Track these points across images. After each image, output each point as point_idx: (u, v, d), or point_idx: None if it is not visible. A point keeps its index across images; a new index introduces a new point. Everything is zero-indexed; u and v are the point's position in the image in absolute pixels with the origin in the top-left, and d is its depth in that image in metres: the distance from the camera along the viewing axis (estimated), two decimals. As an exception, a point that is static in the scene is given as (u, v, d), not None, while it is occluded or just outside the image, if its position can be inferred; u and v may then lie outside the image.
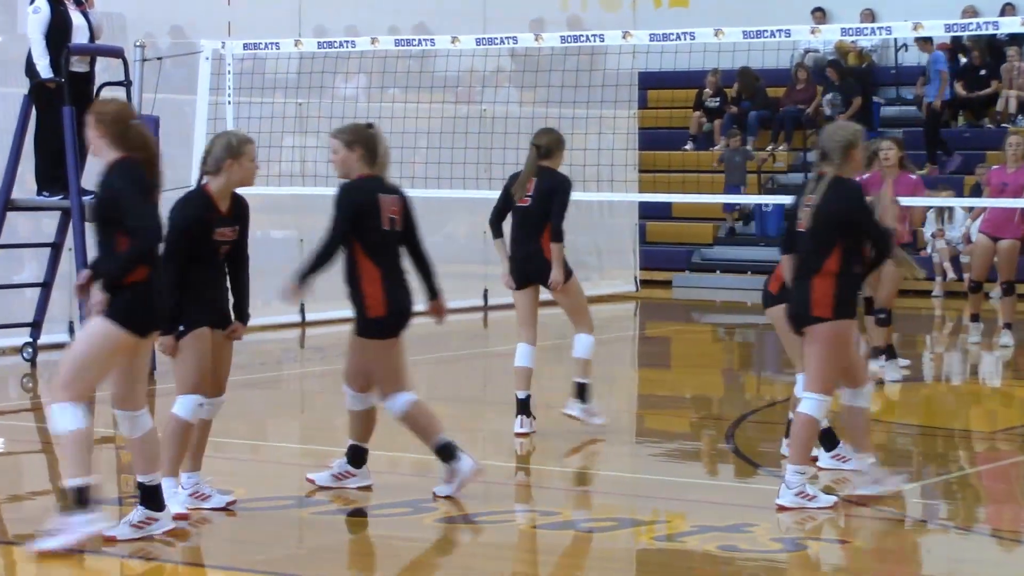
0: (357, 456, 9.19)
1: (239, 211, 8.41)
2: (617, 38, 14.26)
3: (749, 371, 16.37)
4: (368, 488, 9.10)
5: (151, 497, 7.83)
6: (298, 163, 17.19)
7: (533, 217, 10.93)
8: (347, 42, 15.48)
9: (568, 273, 10.96)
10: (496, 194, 16.67)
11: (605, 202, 21.16)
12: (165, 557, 7.84)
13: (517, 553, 7.91)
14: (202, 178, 8.32)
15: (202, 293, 8.25)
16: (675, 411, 13.04)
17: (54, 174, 13.56)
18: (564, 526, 8.63)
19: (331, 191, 16.20)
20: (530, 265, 10.98)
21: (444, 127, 18.57)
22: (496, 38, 15.53)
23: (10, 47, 16.43)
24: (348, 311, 20.32)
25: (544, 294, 11.15)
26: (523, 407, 11.07)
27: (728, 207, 24.33)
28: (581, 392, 11.17)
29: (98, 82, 13.99)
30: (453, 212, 21.17)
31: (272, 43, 15.16)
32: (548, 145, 11.01)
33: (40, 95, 13.50)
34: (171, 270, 8.06)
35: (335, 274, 21.49)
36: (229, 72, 14.92)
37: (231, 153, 8.26)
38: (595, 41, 14.71)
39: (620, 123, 20.53)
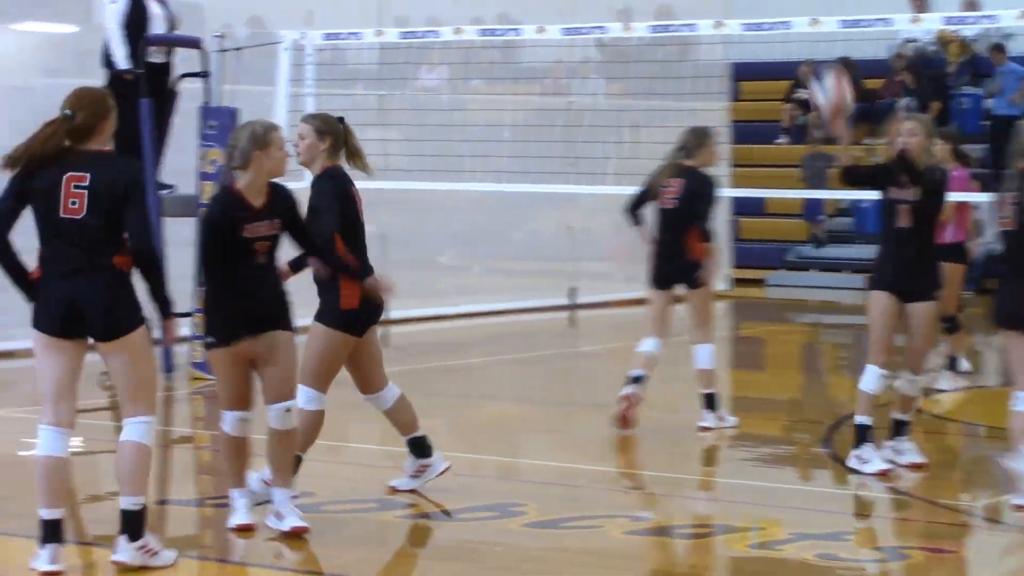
0: (420, 447, 9.21)
1: (279, 204, 8.06)
2: (709, 27, 14.21)
3: (845, 373, 16.25)
4: (447, 471, 9.16)
5: (127, 522, 7.43)
6: (380, 157, 17.22)
7: (678, 219, 11.22)
8: (430, 32, 15.52)
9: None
10: (582, 188, 16.68)
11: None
12: (240, 559, 7.90)
13: (606, 560, 7.89)
14: (231, 176, 8.09)
15: (234, 301, 8.01)
16: (769, 414, 12.98)
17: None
18: (655, 532, 8.60)
19: (414, 186, 16.42)
20: (671, 266, 11.27)
21: (529, 120, 18.59)
22: (583, 28, 15.52)
23: (86, 38, 16.58)
24: (432, 309, 20.33)
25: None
26: (633, 380, 11.28)
27: (813, 218, 24.10)
28: (710, 402, 11.41)
29: (176, 73, 14.09)
30: (538, 207, 21.20)
31: (353, 33, 15.22)
32: (688, 144, 11.28)
33: (117, 87, 13.59)
34: (207, 275, 8.02)
35: (415, 269, 21.58)
36: (309, 63, 14.96)
37: (258, 144, 7.98)
38: (686, 31, 14.64)
39: (711, 116, 20.43)
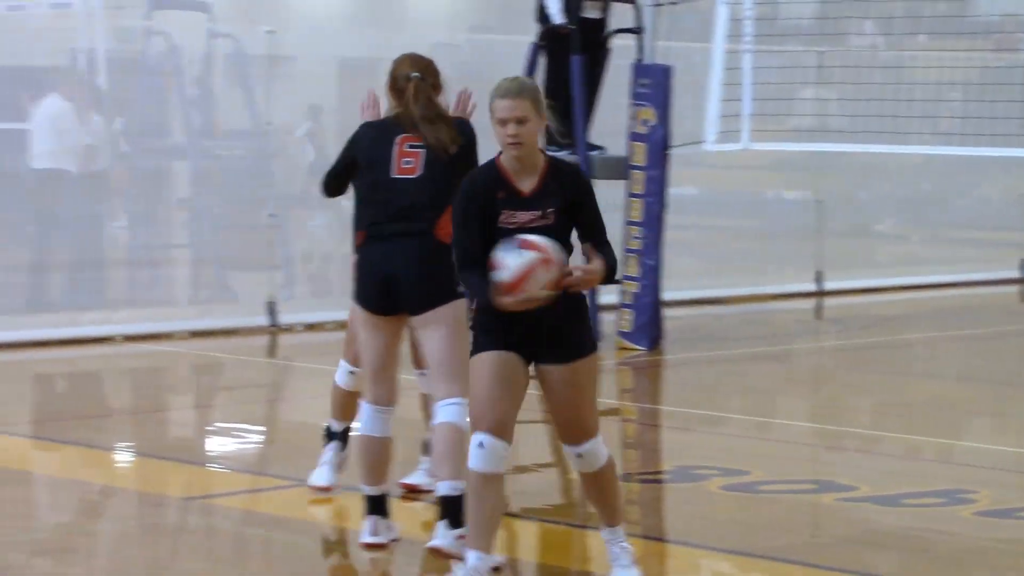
0: None
1: (557, 188, 6.58)
2: None
3: None
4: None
5: (446, 508, 7.28)
6: (817, 118, 17.17)
7: None
8: (879, -17, 15.34)
9: None
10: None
11: None
12: (666, 536, 8.05)
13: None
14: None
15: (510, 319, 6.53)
16: None
17: (564, 127, 13.92)
18: (1119, 529, 8.41)
19: (853, 148, 16.30)
20: None
21: (980, 77, 18.20)
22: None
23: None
24: (870, 280, 20.06)
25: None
26: None
27: None
28: None
29: (609, 29, 14.32)
30: (987, 172, 20.80)
31: (796, -15, 15.16)
32: None
33: (550, 42, 13.88)
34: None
35: (852, 238, 21.24)
36: (747, 18, 14.94)
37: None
38: None
39: None
